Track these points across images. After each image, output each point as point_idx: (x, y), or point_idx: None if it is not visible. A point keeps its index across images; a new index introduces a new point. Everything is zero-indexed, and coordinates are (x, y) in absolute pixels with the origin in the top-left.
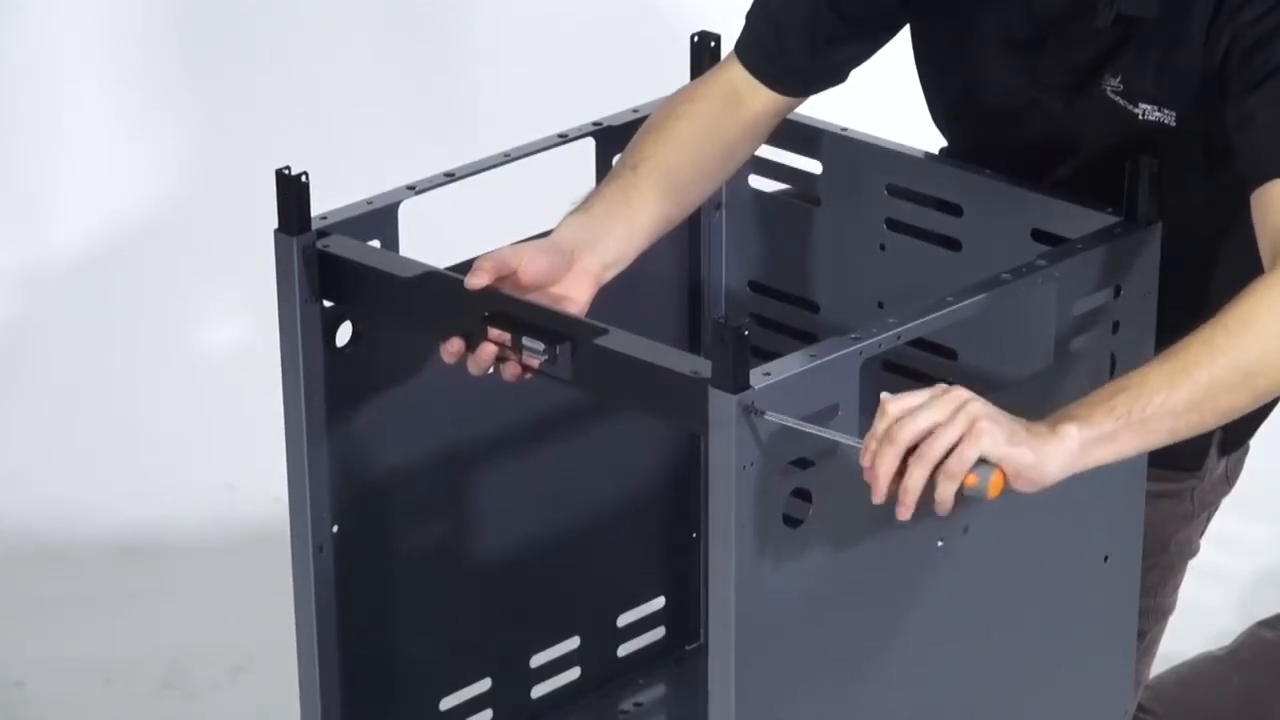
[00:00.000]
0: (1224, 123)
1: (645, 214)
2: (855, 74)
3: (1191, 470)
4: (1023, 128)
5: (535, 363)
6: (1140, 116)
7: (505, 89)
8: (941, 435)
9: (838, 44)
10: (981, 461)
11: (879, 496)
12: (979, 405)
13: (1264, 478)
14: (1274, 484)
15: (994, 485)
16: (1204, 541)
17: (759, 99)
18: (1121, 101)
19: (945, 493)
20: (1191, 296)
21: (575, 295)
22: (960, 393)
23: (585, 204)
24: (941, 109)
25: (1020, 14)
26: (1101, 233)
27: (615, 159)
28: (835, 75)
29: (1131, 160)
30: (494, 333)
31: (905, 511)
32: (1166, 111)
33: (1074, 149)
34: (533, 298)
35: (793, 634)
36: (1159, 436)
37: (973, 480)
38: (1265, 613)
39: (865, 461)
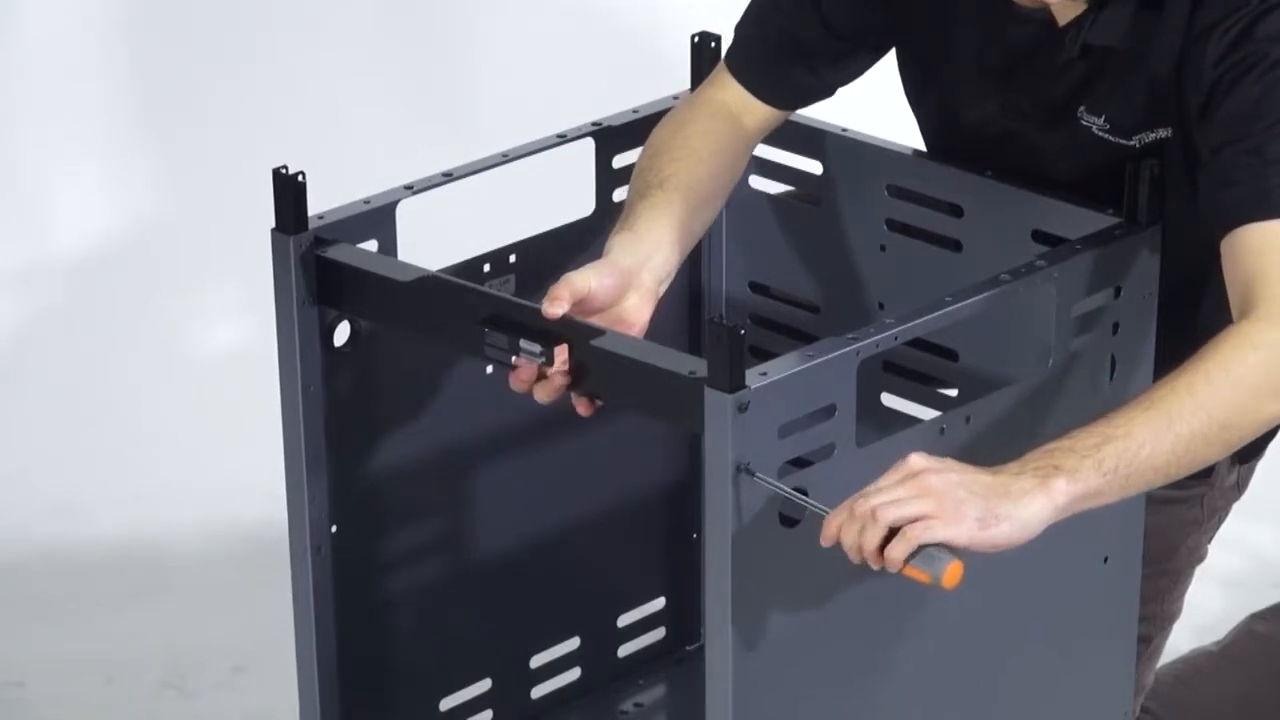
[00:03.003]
0: (1188, 154)
1: (683, 229)
2: None
3: (1202, 477)
4: (1004, 157)
5: (533, 365)
6: (1136, 146)
7: (505, 89)
8: (901, 507)
9: (829, 61)
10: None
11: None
12: (939, 481)
13: (1264, 477)
14: (1274, 484)
15: (950, 576)
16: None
17: (754, 113)
18: (1113, 139)
19: (896, 553)
20: (1194, 297)
21: (637, 317)
22: (925, 478)
23: (627, 223)
24: (925, 132)
25: (991, 43)
26: (1101, 233)
27: (632, 178)
28: (827, 90)
29: (1132, 162)
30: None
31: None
32: (1161, 130)
33: (1062, 179)
34: (597, 319)
35: (790, 634)
36: (1137, 489)
37: (924, 577)
38: None
39: (827, 539)
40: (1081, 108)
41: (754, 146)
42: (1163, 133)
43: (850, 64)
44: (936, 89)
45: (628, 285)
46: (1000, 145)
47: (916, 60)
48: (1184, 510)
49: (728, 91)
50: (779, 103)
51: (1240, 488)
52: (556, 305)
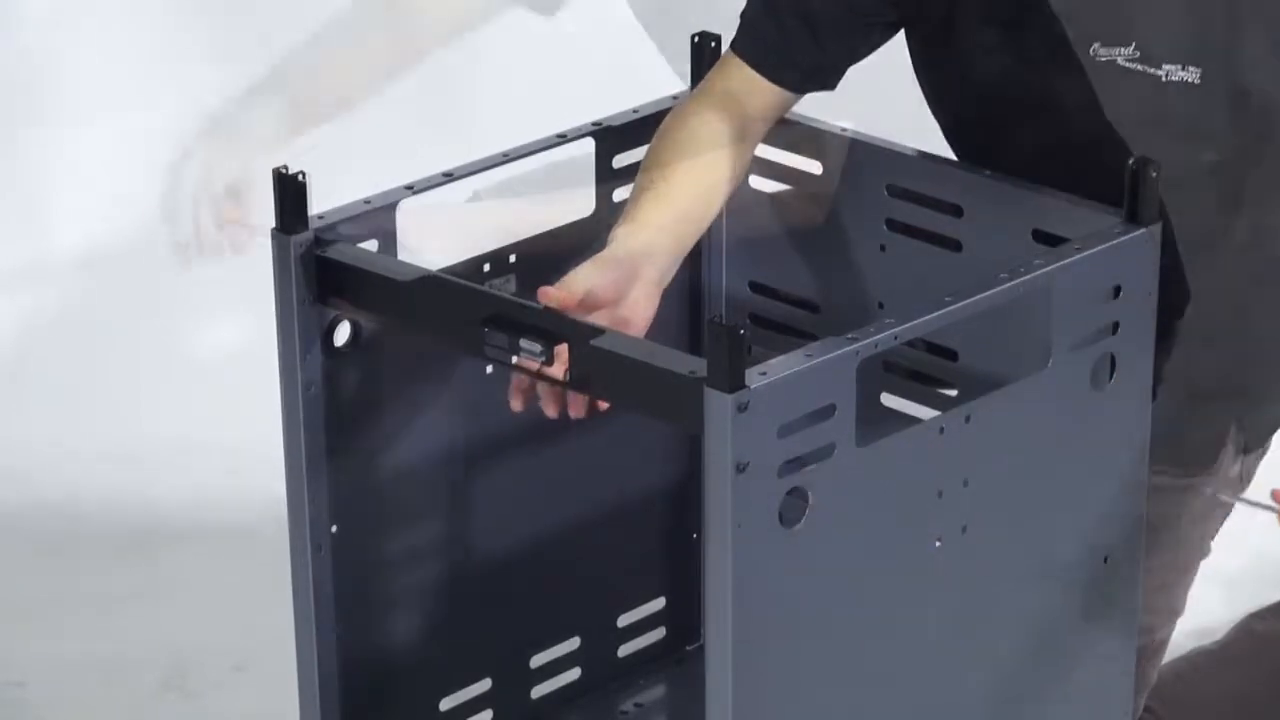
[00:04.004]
0: None
1: (684, 220)
2: (855, 74)
3: (1206, 466)
4: (1023, 119)
5: (534, 365)
6: (1164, 78)
7: (505, 89)
8: None
9: (838, 36)
10: None
11: None
12: None
13: (1264, 477)
14: (1274, 484)
15: None
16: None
17: (760, 98)
18: (1141, 68)
19: None
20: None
21: (642, 311)
22: None
23: (629, 214)
24: (942, 112)
25: None
26: (1101, 233)
27: (639, 172)
28: (835, 71)
29: (1131, 160)
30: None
31: None
32: (1190, 69)
33: (1082, 134)
34: (601, 315)
35: (790, 634)
36: None
37: None
38: None
39: None
40: (1096, 44)
41: (759, 137)
42: (1192, 75)
43: (860, 41)
44: (950, 56)
45: (630, 277)
46: (1018, 104)
47: (928, 31)
48: (1189, 498)
49: (733, 79)
50: (786, 82)
51: (1245, 481)
52: (550, 297)
